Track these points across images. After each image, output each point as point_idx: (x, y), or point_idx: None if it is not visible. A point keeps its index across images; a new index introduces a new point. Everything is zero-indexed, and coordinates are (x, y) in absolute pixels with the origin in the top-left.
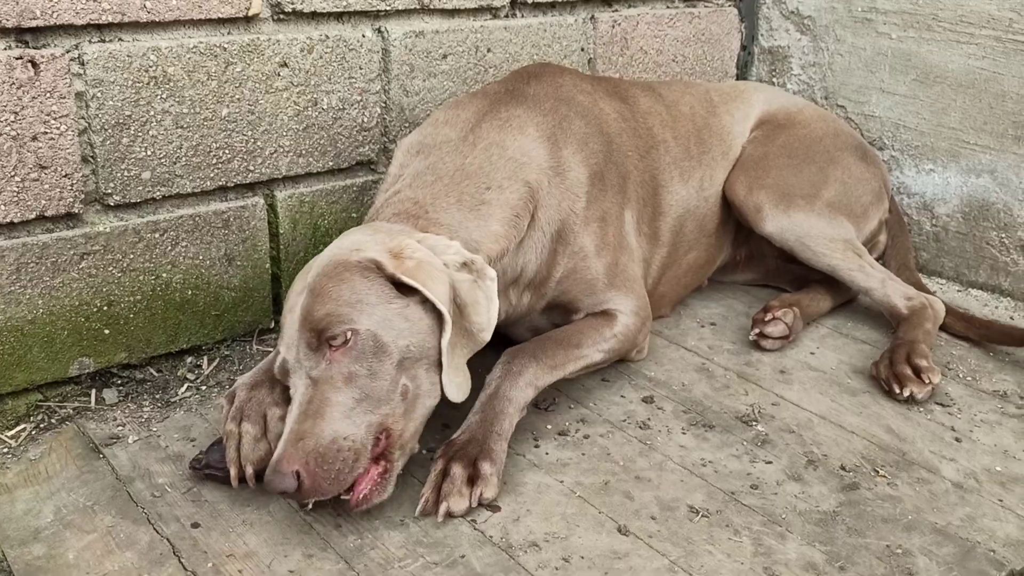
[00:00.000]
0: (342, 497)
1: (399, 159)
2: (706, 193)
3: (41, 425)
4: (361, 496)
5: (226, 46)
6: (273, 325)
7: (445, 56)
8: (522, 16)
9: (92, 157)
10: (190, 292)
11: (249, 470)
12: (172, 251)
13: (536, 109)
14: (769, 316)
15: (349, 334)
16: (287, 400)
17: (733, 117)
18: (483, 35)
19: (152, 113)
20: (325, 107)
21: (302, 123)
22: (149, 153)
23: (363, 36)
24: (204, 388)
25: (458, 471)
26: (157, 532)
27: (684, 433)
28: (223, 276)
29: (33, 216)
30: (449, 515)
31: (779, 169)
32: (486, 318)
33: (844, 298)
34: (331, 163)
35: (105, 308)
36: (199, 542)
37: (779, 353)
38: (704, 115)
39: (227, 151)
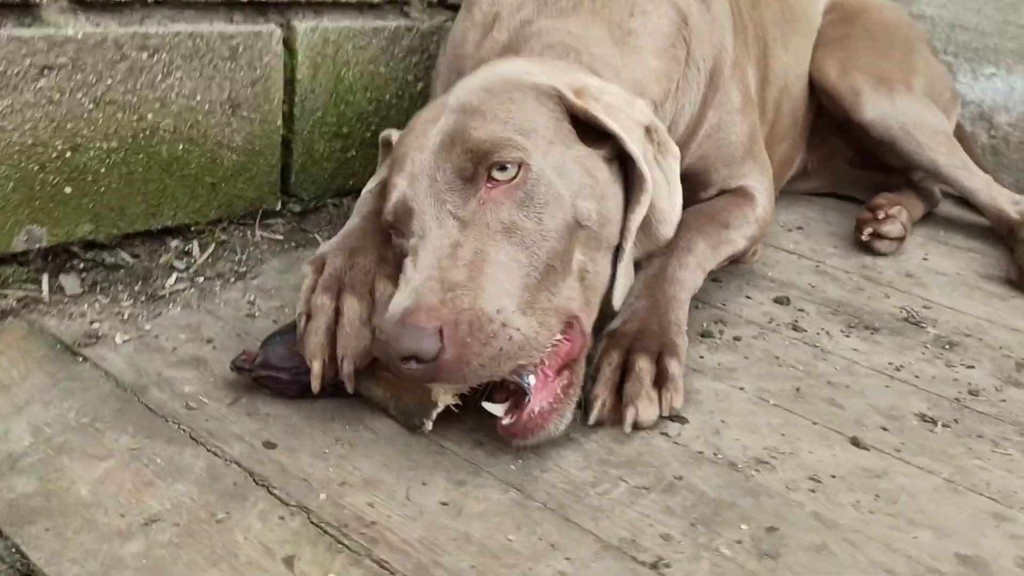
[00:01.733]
0: (497, 412)
1: None
2: (799, 69)
3: None
4: (536, 411)
5: None
6: (279, 207)
7: None
8: None
9: None
10: (181, 146)
11: (348, 366)
12: (163, 82)
13: None
14: (882, 214)
15: (519, 167)
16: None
17: None
18: None
19: None
20: None
21: None
22: None
23: None
24: (201, 280)
25: (645, 367)
26: (215, 454)
27: (847, 336)
28: (224, 129)
29: None
30: (635, 426)
31: (867, 51)
32: (669, 206)
33: (932, 206)
34: None
35: (68, 154)
36: (287, 467)
37: (891, 258)
38: None
39: None
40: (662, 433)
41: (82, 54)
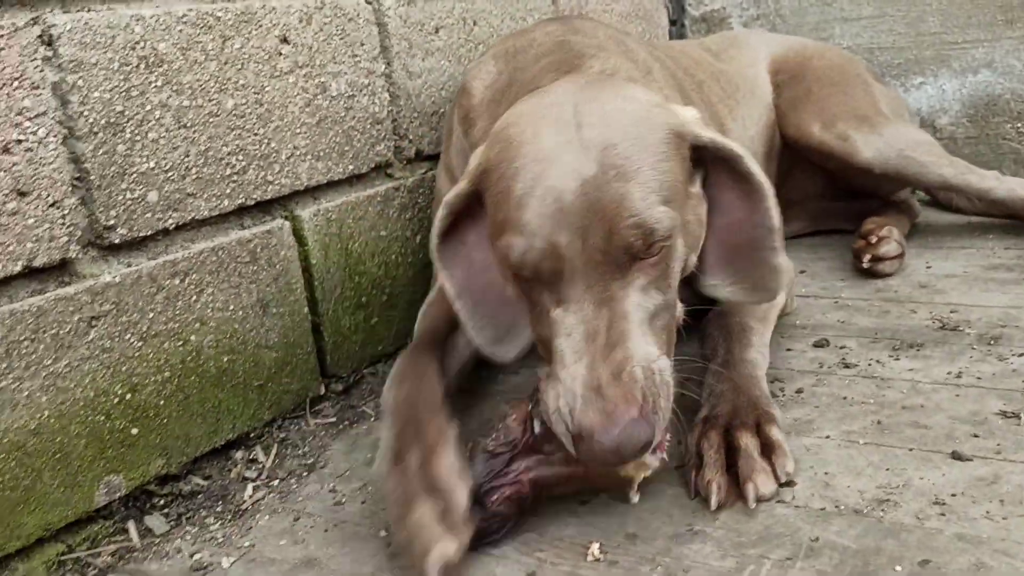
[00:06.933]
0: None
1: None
2: (750, 132)
3: None
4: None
5: (219, 15)
6: (323, 391)
7: (437, 30)
8: None
9: (82, 175)
10: (226, 359)
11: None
12: (197, 302)
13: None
14: (874, 238)
15: (665, 248)
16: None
17: (740, 62)
18: (467, 4)
19: (148, 108)
20: (335, 94)
21: (314, 115)
22: (152, 165)
23: (358, 3)
24: (276, 483)
25: (751, 442)
26: None
27: (897, 359)
28: (259, 331)
29: (18, 269)
30: (759, 500)
31: (833, 98)
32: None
33: (914, 217)
34: (351, 167)
35: (128, 396)
36: None
37: (898, 276)
38: (711, 60)
39: (240, 157)
40: (779, 501)
41: (123, 296)
